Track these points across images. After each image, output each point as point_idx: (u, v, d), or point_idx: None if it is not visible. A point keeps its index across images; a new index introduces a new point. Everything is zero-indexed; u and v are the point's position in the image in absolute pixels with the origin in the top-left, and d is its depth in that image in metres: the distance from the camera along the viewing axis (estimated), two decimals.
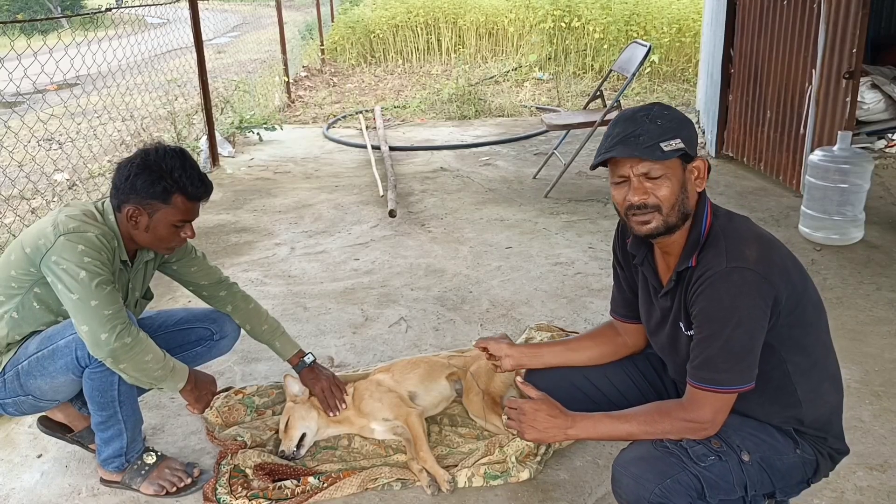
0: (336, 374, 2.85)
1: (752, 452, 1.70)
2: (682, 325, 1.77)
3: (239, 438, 2.48)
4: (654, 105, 1.70)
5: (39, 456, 2.51)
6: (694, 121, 2.06)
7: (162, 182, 2.12)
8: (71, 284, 2.02)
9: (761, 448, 1.72)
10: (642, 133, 1.63)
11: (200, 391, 2.28)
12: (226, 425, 2.60)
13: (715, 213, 1.74)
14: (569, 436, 1.79)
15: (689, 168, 1.69)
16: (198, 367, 2.40)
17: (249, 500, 2.21)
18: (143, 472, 2.28)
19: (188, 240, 2.27)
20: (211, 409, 2.68)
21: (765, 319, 1.63)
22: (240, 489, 2.25)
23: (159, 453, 2.34)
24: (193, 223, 2.24)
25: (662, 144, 1.62)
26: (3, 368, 2.17)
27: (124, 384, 2.17)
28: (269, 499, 2.22)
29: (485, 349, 2.13)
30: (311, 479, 2.29)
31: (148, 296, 2.45)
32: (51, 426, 2.46)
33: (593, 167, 1.75)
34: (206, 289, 2.52)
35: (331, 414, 2.51)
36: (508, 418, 1.85)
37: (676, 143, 1.63)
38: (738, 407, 1.72)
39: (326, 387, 2.54)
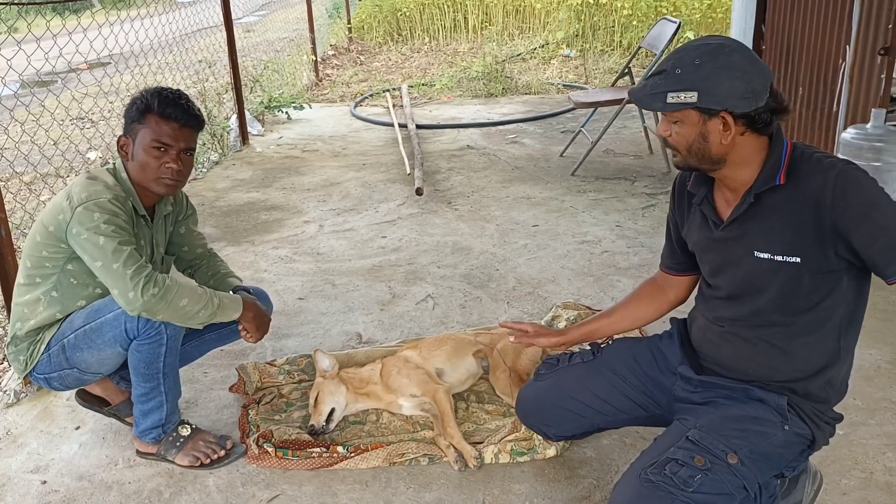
0: (363, 350, 2.91)
1: (737, 451, 1.63)
2: (756, 251, 1.70)
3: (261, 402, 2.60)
4: (702, 47, 1.62)
5: (77, 428, 2.58)
6: None
7: (136, 103, 2.21)
8: (94, 252, 2.07)
9: (747, 440, 1.66)
10: (657, 82, 1.65)
11: (262, 319, 2.37)
12: (261, 380, 2.73)
13: (793, 143, 1.70)
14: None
15: (713, 121, 1.63)
16: (227, 346, 2.41)
17: (276, 448, 2.32)
18: (178, 443, 2.33)
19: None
20: (248, 364, 2.79)
21: None
22: (271, 436, 2.38)
23: (194, 426, 2.39)
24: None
25: (670, 95, 1.62)
26: (48, 344, 2.23)
27: (170, 356, 2.22)
28: (297, 456, 2.30)
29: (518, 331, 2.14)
30: (339, 448, 2.35)
31: (171, 252, 2.49)
32: (88, 399, 2.52)
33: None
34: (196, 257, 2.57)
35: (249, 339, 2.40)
36: None
37: (687, 97, 1.60)
38: (783, 345, 1.71)
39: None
